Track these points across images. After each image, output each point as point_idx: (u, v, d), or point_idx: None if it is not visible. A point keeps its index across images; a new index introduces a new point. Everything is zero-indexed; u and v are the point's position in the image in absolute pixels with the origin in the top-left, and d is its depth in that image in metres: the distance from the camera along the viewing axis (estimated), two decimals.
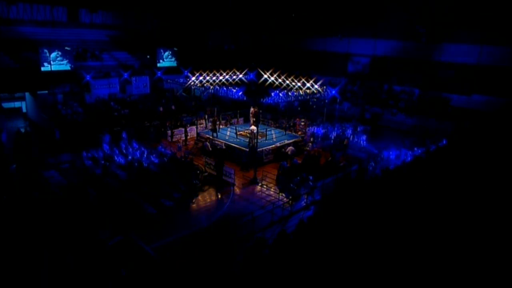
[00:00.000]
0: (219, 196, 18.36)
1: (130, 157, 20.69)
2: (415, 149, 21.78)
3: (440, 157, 16.94)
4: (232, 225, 14.88)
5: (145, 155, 20.85)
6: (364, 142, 25.55)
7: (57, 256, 10.16)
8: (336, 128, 26.93)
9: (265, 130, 25.53)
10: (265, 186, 19.32)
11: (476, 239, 7.83)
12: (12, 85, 26.80)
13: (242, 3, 38.71)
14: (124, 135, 24.70)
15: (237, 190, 18.94)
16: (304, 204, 17.13)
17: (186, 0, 38.08)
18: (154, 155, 20.95)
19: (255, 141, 20.84)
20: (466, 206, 9.57)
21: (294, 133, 26.28)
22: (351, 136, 26.09)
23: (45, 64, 26.99)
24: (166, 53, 34.51)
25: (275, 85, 25.57)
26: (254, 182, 19.68)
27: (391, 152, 21.65)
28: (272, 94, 21.60)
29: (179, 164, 19.97)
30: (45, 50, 26.94)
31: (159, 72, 33.39)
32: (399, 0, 30.58)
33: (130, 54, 34.80)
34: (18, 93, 29.97)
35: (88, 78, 28.61)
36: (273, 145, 23.13)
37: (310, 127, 26.50)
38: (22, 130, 23.44)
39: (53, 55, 27.23)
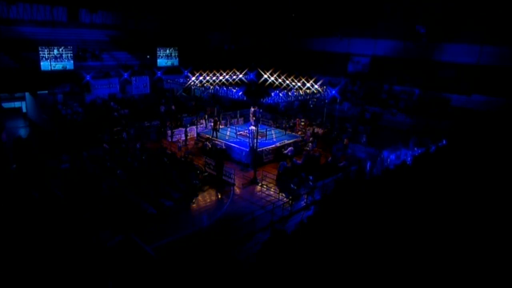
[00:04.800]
0: (219, 196, 18.35)
1: (129, 157, 20.69)
2: (415, 149, 21.78)
3: (440, 157, 16.94)
4: (232, 225, 14.88)
5: (145, 155, 20.87)
6: (364, 142, 25.52)
7: (57, 256, 10.16)
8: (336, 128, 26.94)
9: (265, 130, 25.54)
10: (265, 186, 19.32)
11: (476, 239, 7.83)
12: (12, 85, 26.80)
13: (242, 3, 38.72)
14: (124, 135, 24.72)
15: (237, 190, 18.94)
16: (304, 204, 17.13)
17: (186, 0, 38.08)
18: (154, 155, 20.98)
19: (255, 141, 20.85)
20: (466, 206, 9.57)
21: (294, 133, 26.28)
22: (351, 136, 26.09)
23: (45, 64, 27.01)
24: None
25: (275, 85, 25.57)
26: (254, 182, 19.68)
27: (390, 153, 21.63)
28: (272, 94, 21.60)
29: (179, 164, 19.97)
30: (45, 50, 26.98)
31: (159, 72, 33.41)
32: (399, 0, 30.58)
33: (130, 54, 34.80)
34: (18, 93, 29.98)
35: (88, 78, 28.62)
36: (273, 145, 23.13)
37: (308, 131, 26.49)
38: (22, 133, 23.43)
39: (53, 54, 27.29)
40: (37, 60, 26.96)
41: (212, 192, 18.71)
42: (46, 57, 27.10)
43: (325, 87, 24.89)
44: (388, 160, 21.01)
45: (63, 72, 27.91)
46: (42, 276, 9.33)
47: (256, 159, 20.61)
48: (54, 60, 27.47)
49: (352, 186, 15.76)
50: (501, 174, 12.24)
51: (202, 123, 27.28)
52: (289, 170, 19.49)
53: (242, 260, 11.08)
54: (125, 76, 31.08)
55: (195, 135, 26.60)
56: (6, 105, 30.43)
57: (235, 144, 23.03)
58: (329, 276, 7.11)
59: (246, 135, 23.31)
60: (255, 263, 9.09)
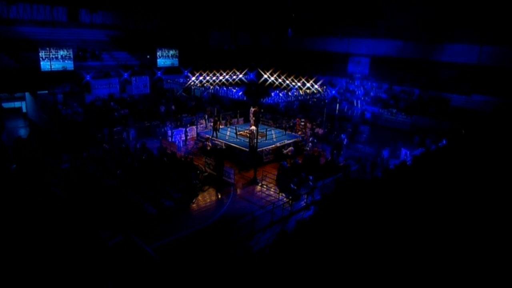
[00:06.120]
0: (219, 196, 18.36)
1: (129, 158, 20.69)
2: (417, 148, 21.80)
3: (440, 157, 16.95)
4: (232, 225, 14.88)
5: (145, 155, 20.86)
6: (364, 142, 25.53)
7: (57, 256, 10.16)
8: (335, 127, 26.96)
9: (265, 130, 25.53)
10: (265, 186, 19.32)
11: (476, 239, 7.82)
12: (12, 85, 26.81)
13: (242, 3, 38.70)
14: (124, 135, 24.75)
15: (237, 190, 18.94)
16: (304, 204, 17.13)
17: (187, 0, 38.08)
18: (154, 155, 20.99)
19: (255, 141, 20.85)
20: (466, 207, 9.57)
21: (294, 133, 26.28)
22: (351, 136, 26.11)
23: (45, 64, 27.02)
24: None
25: (275, 85, 25.57)
26: (254, 182, 19.68)
27: (388, 152, 21.70)
28: (272, 94, 21.60)
29: (179, 164, 19.97)
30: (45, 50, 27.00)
31: (159, 72, 33.41)
32: (399, 1, 30.57)
33: (130, 54, 34.80)
34: (18, 93, 29.98)
35: (88, 78, 28.62)
36: (273, 145, 23.13)
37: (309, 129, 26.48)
38: (22, 133, 23.47)
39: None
40: (37, 60, 26.96)
41: (212, 192, 18.71)
42: (46, 57, 27.09)
43: (325, 87, 24.88)
44: (388, 160, 21.03)
45: (63, 72, 27.92)
46: (42, 276, 9.34)
47: (256, 159, 20.60)
48: (54, 60, 27.46)
49: (352, 186, 15.76)
50: (501, 174, 12.23)
51: (202, 123, 27.28)
52: (289, 170, 19.49)
53: (241, 260, 11.07)
54: (125, 76, 31.09)
55: (195, 135, 26.60)
56: (6, 105, 30.42)
57: (235, 144, 23.03)
58: (328, 274, 7.11)
59: (246, 135, 23.32)
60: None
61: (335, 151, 22.84)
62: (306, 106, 31.22)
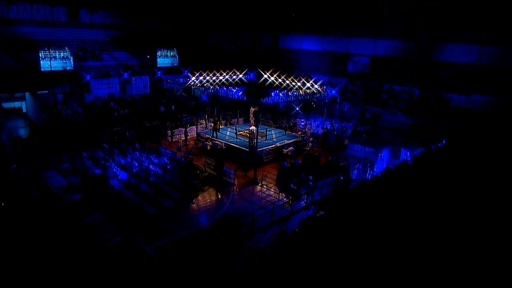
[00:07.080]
0: (219, 196, 18.35)
1: (130, 157, 20.69)
2: (415, 149, 21.79)
3: (440, 157, 16.94)
4: (232, 225, 14.88)
5: (145, 155, 20.86)
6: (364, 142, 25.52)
7: (57, 256, 10.16)
8: (335, 127, 26.94)
9: (265, 130, 25.53)
10: (265, 186, 19.32)
11: (476, 240, 7.82)
12: (12, 85, 26.79)
13: (242, 3, 38.69)
14: (127, 134, 24.76)
15: (237, 190, 18.94)
16: (304, 204, 17.13)
17: (186, 0, 38.07)
18: (154, 156, 20.98)
19: (255, 141, 20.85)
20: (467, 206, 9.57)
21: (294, 133, 26.29)
22: (351, 136, 26.11)
23: (45, 64, 27.01)
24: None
25: (275, 85, 25.58)
26: (254, 182, 19.68)
27: (386, 154, 21.72)
28: (272, 94, 21.60)
29: (179, 164, 19.97)
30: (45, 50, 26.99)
31: (159, 72, 33.41)
32: (399, 1, 30.57)
33: (130, 54, 34.79)
34: (18, 93, 29.97)
35: (88, 78, 28.61)
36: (273, 145, 23.13)
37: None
38: (22, 133, 23.46)
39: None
40: (37, 60, 26.94)
41: (212, 192, 18.71)
42: (46, 57, 27.08)
43: (325, 87, 24.89)
44: (388, 161, 21.02)
45: (63, 72, 27.90)
46: (43, 275, 9.34)
47: (256, 159, 20.60)
48: (54, 60, 27.45)
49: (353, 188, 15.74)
50: (501, 174, 12.23)
51: (202, 123, 27.29)
52: (289, 170, 19.50)
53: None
54: (125, 76, 31.08)
55: (195, 135, 26.61)
56: (6, 105, 30.43)
57: (235, 144, 23.03)
58: (328, 275, 7.11)
59: (246, 135, 23.32)
60: (254, 263, 9.08)
61: (334, 152, 22.84)
62: (306, 106, 31.21)
